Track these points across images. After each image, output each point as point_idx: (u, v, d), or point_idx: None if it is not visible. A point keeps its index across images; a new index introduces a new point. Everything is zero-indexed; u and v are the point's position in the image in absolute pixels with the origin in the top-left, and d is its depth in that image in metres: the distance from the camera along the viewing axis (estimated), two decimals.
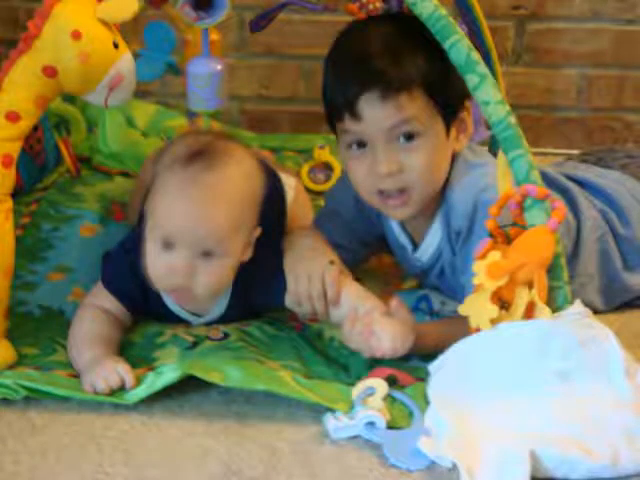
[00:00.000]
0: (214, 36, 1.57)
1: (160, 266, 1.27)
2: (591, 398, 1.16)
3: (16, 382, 1.20)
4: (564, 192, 1.48)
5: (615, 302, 1.50)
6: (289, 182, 1.52)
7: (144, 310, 1.38)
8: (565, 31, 2.10)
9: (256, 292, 1.36)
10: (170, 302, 1.37)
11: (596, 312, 1.39)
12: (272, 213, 1.37)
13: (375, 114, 1.30)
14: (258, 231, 1.32)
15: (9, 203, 1.21)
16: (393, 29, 1.34)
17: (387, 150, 1.31)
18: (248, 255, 1.32)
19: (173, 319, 1.38)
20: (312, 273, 1.32)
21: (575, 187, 1.51)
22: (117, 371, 1.23)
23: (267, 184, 1.32)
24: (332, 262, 1.33)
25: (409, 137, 1.31)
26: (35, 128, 1.72)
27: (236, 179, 1.28)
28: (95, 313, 1.34)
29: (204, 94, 1.39)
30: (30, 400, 1.21)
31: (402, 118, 1.30)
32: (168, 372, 1.22)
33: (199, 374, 1.21)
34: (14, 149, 1.20)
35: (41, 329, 1.36)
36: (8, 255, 1.21)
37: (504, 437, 1.12)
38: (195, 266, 1.25)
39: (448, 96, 1.33)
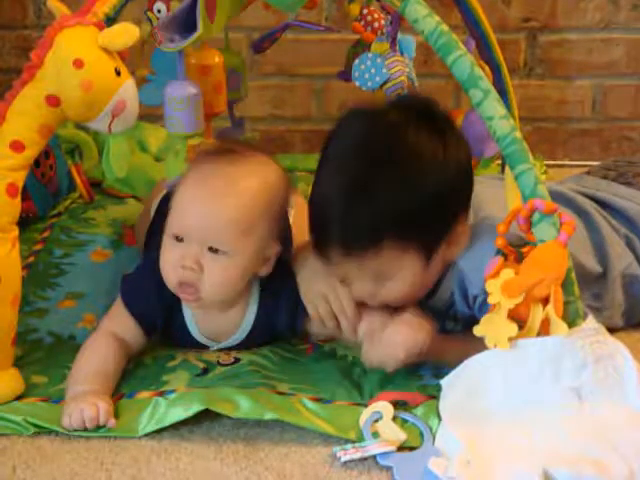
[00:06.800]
0: (217, 59, 1.58)
1: (170, 258, 1.26)
2: (605, 415, 1.14)
3: (25, 419, 1.20)
4: (582, 215, 1.44)
5: (635, 320, 1.46)
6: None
7: (163, 332, 1.37)
8: (578, 42, 2.09)
9: (280, 319, 1.35)
10: (191, 324, 1.35)
11: (615, 330, 1.38)
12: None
13: (340, 261, 1.26)
14: (277, 248, 1.30)
15: (15, 232, 1.22)
16: (363, 164, 1.23)
17: (360, 285, 1.28)
18: (267, 271, 1.30)
19: (191, 343, 1.36)
20: (327, 292, 1.30)
21: (596, 210, 1.46)
22: (96, 405, 1.19)
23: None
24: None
25: (378, 276, 1.27)
26: (47, 155, 1.74)
27: (257, 180, 1.27)
28: (106, 342, 1.30)
29: (182, 117, 1.40)
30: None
31: (366, 270, 1.25)
32: (179, 407, 1.20)
33: (210, 407, 1.19)
34: (19, 178, 1.20)
35: (51, 356, 1.35)
36: (15, 284, 1.21)
37: (516, 456, 1.11)
38: (202, 262, 1.24)
39: (427, 233, 1.25)
